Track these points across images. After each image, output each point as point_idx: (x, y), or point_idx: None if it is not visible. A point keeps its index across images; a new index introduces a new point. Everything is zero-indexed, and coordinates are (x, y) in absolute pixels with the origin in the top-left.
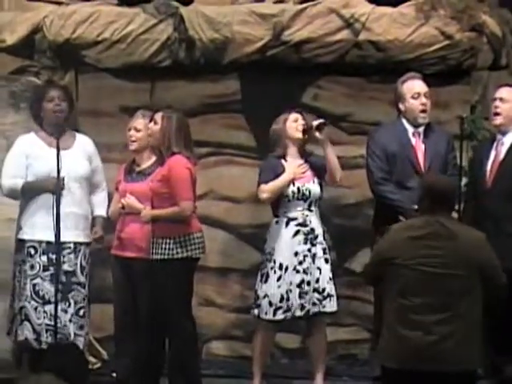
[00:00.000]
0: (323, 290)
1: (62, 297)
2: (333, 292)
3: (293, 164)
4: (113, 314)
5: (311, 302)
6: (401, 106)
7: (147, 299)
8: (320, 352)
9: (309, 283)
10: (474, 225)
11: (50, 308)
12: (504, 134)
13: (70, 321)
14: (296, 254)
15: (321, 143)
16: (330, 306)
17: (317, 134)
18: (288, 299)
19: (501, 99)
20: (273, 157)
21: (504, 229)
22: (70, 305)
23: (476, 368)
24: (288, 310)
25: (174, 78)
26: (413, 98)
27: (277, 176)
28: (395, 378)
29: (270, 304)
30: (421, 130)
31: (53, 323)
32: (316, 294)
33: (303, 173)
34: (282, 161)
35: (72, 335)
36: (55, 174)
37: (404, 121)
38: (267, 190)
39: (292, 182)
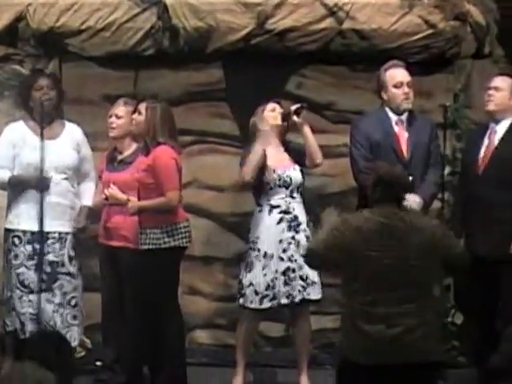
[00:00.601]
0: (307, 277)
1: (47, 287)
2: (316, 279)
3: (272, 151)
4: (98, 302)
5: (297, 289)
6: (383, 95)
7: (134, 288)
8: (304, 340)
9: (294, 270)
10: (466, 213)
11: (34, 297)
12: (497, 122)
13: (56, 311)
14: (280, 241)
15: (299, 126)
16: (315, 293)
17: (295, 117)
18: (274, 287)
19: (495, 88)
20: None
21: (494, 217)
22: (54, 295)
23: (439, 359)
24: (274, 298)
25: (158, 67)
26: (395, 86)
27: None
28: (357, 372)
29: (256, 293)
30: (404, 118)
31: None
32: (300, 282)
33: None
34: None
35: (58, 325)
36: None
37: (387, 109)
38: (246, 170)
39: (273, 169)
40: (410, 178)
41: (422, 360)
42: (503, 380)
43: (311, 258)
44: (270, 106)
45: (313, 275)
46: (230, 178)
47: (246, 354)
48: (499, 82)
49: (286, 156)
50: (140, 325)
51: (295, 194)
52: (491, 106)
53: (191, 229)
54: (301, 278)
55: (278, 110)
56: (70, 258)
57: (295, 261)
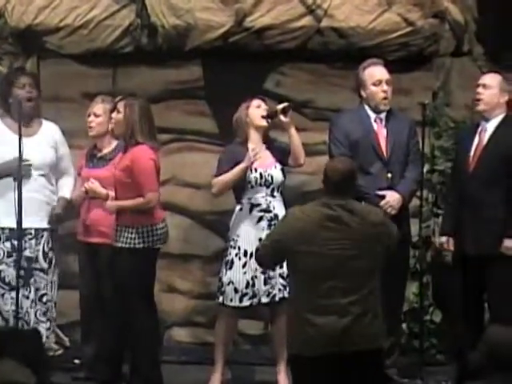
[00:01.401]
0: (288, 275)
1: (24, 283)
2: None
3: (248, 153)
4: (76, 300)
5: (277, 288)
6: (362, 93)
7: (109, 285)
8: (283, 339)
9: (274, 269)
10: (456, 211)
11: (14, 294)
12: (487, 120)
13: (31, 307)
14: (260, 240)
15: (285, 126)
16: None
17: (281, 117)
18: (254, 285)
19: (484, 85)
20: (235, 144)
21: (483, 215)
22: (30, 291)
23: (384, 345)
24: (254, 296)
25: (137, 64)
26: (374, 84)
27: (236, 164)
28: (310, 366)
29: (236, 291)
30: (383, 116)
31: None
32: (281, 280)
33: (254, 156)
34: (244, 148)
35: (32, 321)
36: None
37: (366, 107)
38: (218, 184)
39: (255, 168)
40: (389, 176)
41: (371, 346)
42: (481, 378)
43: (260, 258)
44: (255, 102)
45: None
46: (208, 175)
47: (226, 352)
48: (488, 79)
49: (268, 154)
50: (118, 322)
51: (276, 193)
52: (481, 106)
53: (168, 228)
54: (281, 276)
55: (263, 106)
56: (45, 255)
57: None
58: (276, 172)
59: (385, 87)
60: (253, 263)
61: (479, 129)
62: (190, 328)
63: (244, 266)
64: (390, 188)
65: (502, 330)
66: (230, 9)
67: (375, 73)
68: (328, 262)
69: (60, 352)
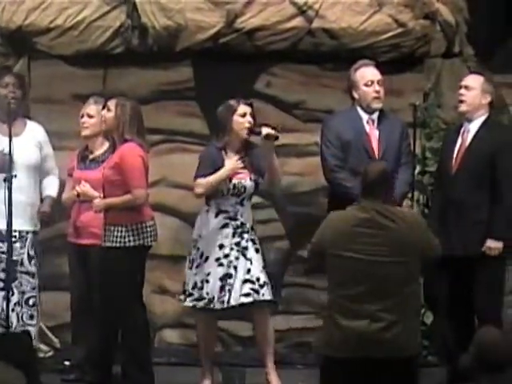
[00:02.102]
0: (257, 279)
1: (7, 286)
2: (267, 280)
3: (232, 159)
4: (66, 301)
5: (239, 294)
6: (354, 94)
7: (101, 286)
8: (265, 340)
9: (230, 276)
10: (440, 213)
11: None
12: (470, 121)
13: (13, 310)
14: (221, 246)
15: (266, 151)
16: (266, 294)
17: (265, 141)
18: (201, 288)
19: (466, 87)
20: (214, 146)
21: (467, 216)
22: (13, 294)
23: (418, 353)
24: (200, 299)
25: (127, 65)
26: (366, 85)
27: (215, 170)
28: (339, 369)
29: (185, 290)
30: (375, 117)
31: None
32: (249, 284)
33: (242, 168)
34: (223, 153)
35: (14, 324)
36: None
37: (358, 108)
38: (203, 184)
39: (229, 178)
40: None
41: (400, 355)
42: (472, 380)
43: (309, 260)
44: (242, 109)
45: (264, 277)
46: None
47: (209, 354)
48: (470, 81)
49: (246, 163)
50: (108, 324)
51: (245, 202)
52: (463, 107)
53: (157, 228)
54: (249, 281)
55: (248, 116)
56: (30, 258)
57: (235, 267)
58: (249, 183)
59: (377, 87)
60: (206, 266)
61: (462, 130)
62: (180, 329)
63: (197, 267)
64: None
65: (492, 332)
66: (221, 10)
67: (367, 73)
68: (361, 266)
69: (50, 354)
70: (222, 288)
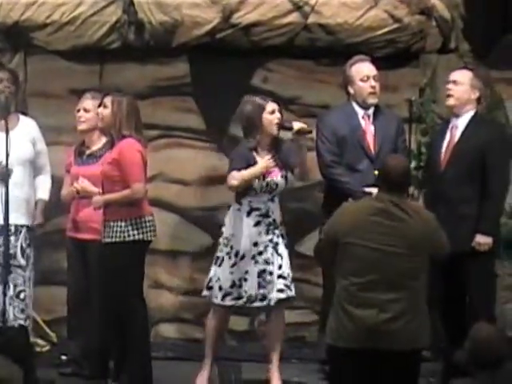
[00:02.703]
0: (288, 274)
1: (2, 279)
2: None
3: (265, 158)
4: (63, 296)
5: (275, 290)
6: (350, 89)
7: (100, 281)
8: (278, 337)
9: (271, 273)
10: (430, 208)
11: None
12: (457, 116)
13: (10, 304)
14: (256, 244)
15: (297, 147)
16: (293, 290)
17: (296, 136)
18: (240, 286)
19: (454, 82)
20: (244, 147)
21: (456, 212)
22: (9, 287)
23: (424, 347)
24: (239, 297)
25: (124, 61)
26: (362, 80)
27: (248, 165)
28: (346, 358)
29: (220, 288)
30: (370, 112)
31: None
32: (282, 280)
33: (274, 166)
34: (254, 153)
35: (11, 318)
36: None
37: (354, 104)
38: (238, 177)
39: (263, 176)
40: (376, 173)
41: (405, 347)
42: (466, 375)
43: (317, 258)
44: (270, 107)
45: (291, 272)
46: (195, 172)
47: (215, 348)
48: (458, 75)
49: (277, 161)
50: (106, 318)
51: (275, 198)
52: (451, 101)
53: (156, 223)
54: (282, 276)
55: (277, 113)
56: (23, 251)
57: (272, 263)
58: (281, 180)
59: (373, 83)
60: (242, 265)
61: (450, 125)
62: (177, 324)
63: (233, 265)
64: (377, 185)
65: (487, 328)
66: (217, 5)
67: (363, 69)
68: (374, 255)
69: (47, 348)
70: (259, 285)
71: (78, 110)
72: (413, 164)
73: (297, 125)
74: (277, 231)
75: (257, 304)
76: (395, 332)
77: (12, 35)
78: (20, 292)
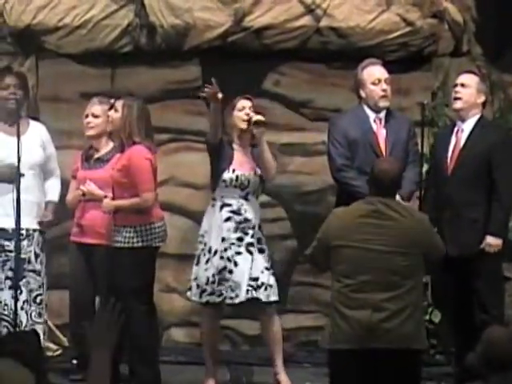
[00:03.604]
0: (256, 278)
1: (14, 284)
2: (270, 282)
3: (239, 152)
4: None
5: (243, 291)
6: (361, 93)
7: (106, 286)
8: (273, 340)
9: (231, 271)
10: (435, 212)
11: (1, 295)
12: (463, 120)
13: (22, 308)
14: (223, 239)
15: (256, 139)
16: (265, 295)
17: (253, 129)
18: (213, 282)
19: (462, 85)
20: (224, 143)
21: (464, 215)
22: (21, 292)
23: (421, 346)
24: (213, 293)
25: (135, 64)
26: (373, 84)
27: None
28: (345, 360)
29: (198, 286)
30: (382, 115)
31: (6, 312)
32: (249, 282)
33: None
34: (230, 149)
35: (24, 322)
36: (9, 161)
37: (365, 107)
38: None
39: (232, 169)
40: None
41: (402, 346)
42: (479, 379)
43: (311, 263)
44: (240, 103)
45: (265, 278)
46: (206, 175)
47: (213, 351)
48: (466, 79)
49: (249, 158)
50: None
51: (250, 197)
52: (459, 104)
53: (166, 228)
54: (250, 279)
55: (247, 110)
56: (36, 256)
57: (235, 263)
58: (254, 177)
59: (384, 86)
60: (215, 260)
61: (456, 129)
62: (187, 328)
63: (207, 262)
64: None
65: (499, 330)
66: (229, 8)
67: (374, 72)
68: (365, 256)
69: (59, 352)
70: (218, 282)
71: (86, 116)
72: (425, 167)
73: (255, 117)
74: (250, 232)
75: (216, 300)
76: (391, 331)
77: (23, 39)
78: (37, 296)
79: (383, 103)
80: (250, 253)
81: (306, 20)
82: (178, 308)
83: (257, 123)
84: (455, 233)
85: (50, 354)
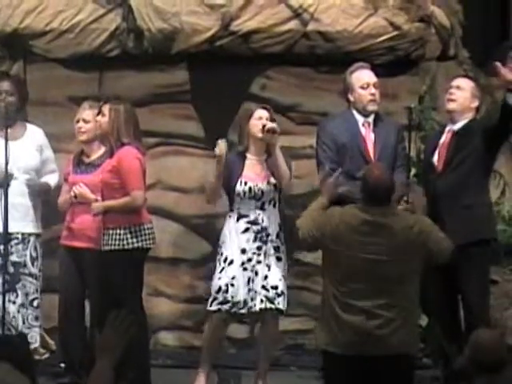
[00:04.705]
0: (273, 287)
1: (10, 287)
2: (285, 290)
3: (251, 161)
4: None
5: (258, 299)
6: (350, 97)
7: (98, 289)
8: (269, 347)
9: (253, 281)
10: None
11: None
12: (455, 123)
13: (18, 312)
14: (244, 251)
15: (270, 147)
16: (281, 303)
17: (265, 136)
18: (226, 292)
19: (457, 87)
20: (234, 153)
21: (458, 203)
22: (17, 296)
23: (414, 352)
24: (224, 302)
25: (123, 68)
26: (362, 88)
27: (231, 175)
28: (337, 363)
29: (210, 294)
30: (370, 120)
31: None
32: (264, 292)
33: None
34: (243, 157)
35: (20, 326)
36: (2, 165)
37: (354, 111)
38: (207, 186)
39: (244, 181)
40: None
41: (397, 352)
42: (467, 382)
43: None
44: (258, 113)
45: (282, 286)
46: (194, 179)
47: (211, 356)
48: (461, 82)
49: (263, 167)
50: (103, 326)
51: (266, 206)
52: (453, 105)
53: (155, 231)
54: (264, 287)
55: (265, 118)
56: (33, 259)
57: (256, 272)
58: (267, 187)
59: (373, 90)
60: (230, 270)
61: (446, 129)
62: (176, 332)
63: (221, 271)
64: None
65: (487, 333)
66: (217, 13)
67: (363, 76)
68: (361, 265)
69: (46, 356)
70: (248, 292)
71: (78, 121)
72: (412, 171)
73: (269, 124)
74: (268, 240)
75: (243, 311)
76: (385, 337)
77: (11, 43)
78: (33, 300)
79: (371, 107)
80: (266, 262)
81: (294, 24)
82: (166, 311)
83: (269, 131)
84: (451, 224)
85: (37, 357)
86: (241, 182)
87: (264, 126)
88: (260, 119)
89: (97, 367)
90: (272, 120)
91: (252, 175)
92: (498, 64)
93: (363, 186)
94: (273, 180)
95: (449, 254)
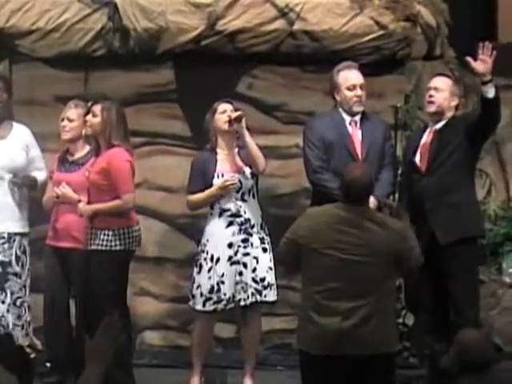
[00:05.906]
0: (261, 279)
1: None
2: (273, 281)
3: (223, 155)
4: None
5: (249, 292)
6: (336, 96)
7: (83, 289)
8: (253, 342)
9: (241, 273)
10: (411, 211)
11: None
12: (436, 122)
13: (8, 311)
14: (230, 245)
15: (240, 134)
16: (270, 295)
17: (235, 125)
18: (218, 291)
19: (435, 88)
20: (205, 150)
21: (444, 202)
22: (6, 295)
23: (392, 350)
24: (219, 301)
25: (109, 68)
26: (348, 89)
27: (206, 176)
28: (314, 364)
29: (201, 295)
30: (357, 118)
31: None
32: (254, 284)
33: (231, 184)
34: (214, 153)
35: (10, 325)
36: None
37: (340, 110)
38: (193, 203)
39: (221, 174)
40: None
41: (375, 352)
42: (452, 381)
43: (280, 257)
44: (221, 107)
45: (269, 277)
46: (180, 179)
47: (202, 355)
48: (439, 82)
49: (237, 159)
50: (88, 326)
51: (247, 197)
52: (432, 108)
53: (141, 231)
54: (254, 280)
55: (229, 111)
56: (18, 259)
57: (244, 264)
58: (243, 176)
59: (359, 92)
60: (218, 268)
61: (428, 130)
62: (162, 331)
63: (209, 270)
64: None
65: (473, 333)
66: (202, 12)
67: (350, 77)
68: (336, 263)
69: (32, 355)
70: (236, 285)
71: (62, 120)
72: (399, 170)
73: (234, 114)
74: (253, 232)
75: (230, 305)
76: (361, 337)
77: None
78: (17, 299)
79: (357, 108)
80: (253, 254)
81: (280, 23)
82: (152, 311)
83: (236, 120)
84: (438, 221)
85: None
86: (218, 175)
87: (231, 119)
88: (224, 112)
89: (86, 373)
90: (236, 110)
91: (227, 168)
92: (469, 58)
93: (340, 184)
94: (247, 170)
95: (416, 266)
